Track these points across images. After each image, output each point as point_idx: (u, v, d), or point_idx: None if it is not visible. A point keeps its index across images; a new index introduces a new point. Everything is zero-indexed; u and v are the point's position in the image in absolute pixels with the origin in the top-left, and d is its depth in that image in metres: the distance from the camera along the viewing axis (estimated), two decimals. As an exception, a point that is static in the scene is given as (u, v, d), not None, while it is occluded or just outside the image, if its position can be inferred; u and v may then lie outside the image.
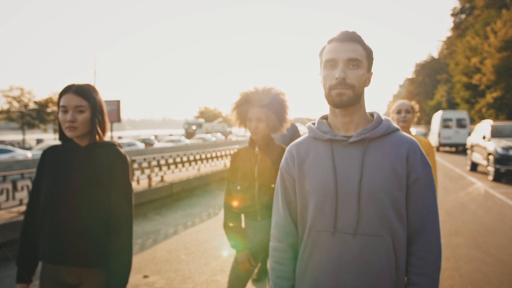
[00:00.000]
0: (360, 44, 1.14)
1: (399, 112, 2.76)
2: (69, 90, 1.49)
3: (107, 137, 1.61)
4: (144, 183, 7.15)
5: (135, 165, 6.92)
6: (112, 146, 1.56)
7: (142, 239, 5.16)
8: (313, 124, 1.26)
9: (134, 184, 7.04)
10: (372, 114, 1.24)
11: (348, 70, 1.12)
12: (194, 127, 43.56)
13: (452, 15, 43.09)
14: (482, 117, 26.69)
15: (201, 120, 48.19)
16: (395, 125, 1.21)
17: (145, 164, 7.06)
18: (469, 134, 17.34)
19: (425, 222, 1.13)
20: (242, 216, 2.20)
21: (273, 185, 2.05)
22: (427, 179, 1.14)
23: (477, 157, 11.38)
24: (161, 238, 5.17)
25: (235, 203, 2.15)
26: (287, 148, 1.29)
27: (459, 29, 40.35)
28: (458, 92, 32.66)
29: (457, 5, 42.48)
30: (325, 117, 1.27)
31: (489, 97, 26.94)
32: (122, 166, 1.52)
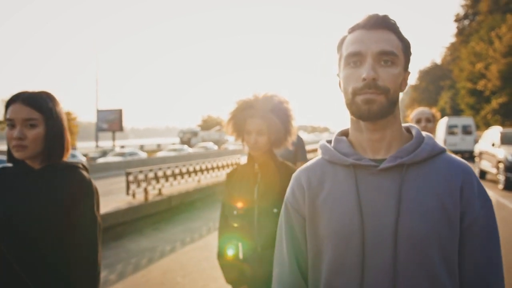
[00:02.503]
0: (394, 33, 0.84)
1: (418, 121, 2.44)
2: (17, 99, 1.19)
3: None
4: (140, 197, 6.83)
5: (131, 178, 6.61)
6: (74, 169, 1.25)
7: (136, 258, 4.83)
8: (329, 142, 0.95)
9: (129, 199, 6.73)
10: (408, 129, 0.93)
11: (380, 68, 0.81)
12: (188, 136, 43.46)
13: (456, 21, 42.91)
14: (487, 124, 26.29)
15: (197, 129, 48.02)
16: (441, 144, 0.89)
17: (141, 177, 6.75)
18: (475, 140, 17.03)
19: (487, 280, 0.81)
20: (240, 245, 1.88)
21: (275, 210, 1.73)
22: (488, 221, 0.82)
23: (486, 165, 11.03)
24: (156, 257, 4.84)
25: (231, 231, 1.83)
26: (294, 175, 0.97)
27: (463, 35, 40.11)
28: (463, 98, 32.32)
29: (460, 11, 42.34)
30: (344, 133, 0.95)
31: (495, 103, 26.59)
32: (86, 194, 1.21)
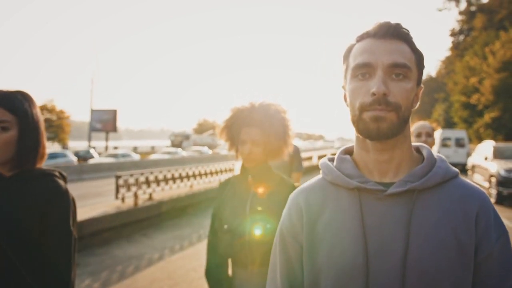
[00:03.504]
0: (407, 44, 0.76)
1: (419, 135, 2.38)
2: None
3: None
4: (129, 202, 6.67)
5: (121, 181, 6.45)
6: (49, 178, 1.14)
7: (122, 265, 4.67)
8: (331, 161, 0.86)
9: (118, 203, 6.57)
10: (418, 150, 0.84)
11: (391, 82, 0.72)
12: (180, 139, 42.99)
13: (451, 35, 43.58)
14: (480, 137, 26.61)
15: (189, 132, 47.76)
16: (453, 168, 0.81)
17: (131, 181, 6.60)
18: (468, 153, 17.20)
19: None
20: (229, 261, 1.77)
21: (268, 225, 1.64)
22: (504, 255, 0.74)
23: (478, 179, 11.10)
24: (144, 265, 4.69)
25: (221, 246, 1.73)
26: (291, 197, 0.87)
27: (458, 49, 40.71)
28: (456, 111, 32.69)
29: (456, 26, 43.04)
30: (349, 151, 0.86)
31: (487, 117, 26.91)
32: (60, 205, 1.11)
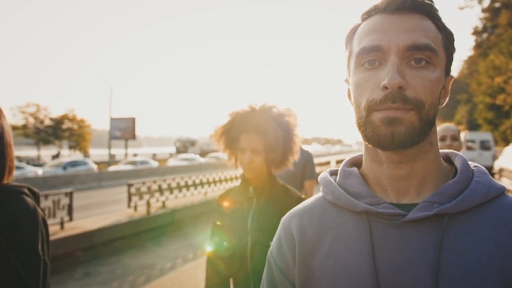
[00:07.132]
0: (431, 19, 0.57)
1: (443, 139, 2.13)
2: None
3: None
4: (142, 210, 6.60)
5: (133, 190, 6.40)
6: (15, 195, 1.01)
7: (133, 275, 4.57)
8: (333, 174, 0.68)
9: (131, 211, 6.52)
10: (448, 158, 0.65)
11: (410, 71, 0.54)
12: (185, 145, 42.44)
13: (473, 34, 42.17)
14: (506, 139, 25.49)
15: (195, 138, 47.39)
16: (497, 181, 0.61)
17: (144, 189, 6.54)
18: (494, 156, 16.47)
19: None
20: (231, 281, 1.61)
21: (271, 243, 1.46)
22: None
23: (507, 183, 10.52)
24: (155, 275, 4.57)
25: (220, 264, 1.57)
26: (283, 220, 0.70)
27: (481, 48, 39.31)
28: (481, 113, 31.52)
29: (479, 24, 41.66)
30: (356, 162, 0.68)
31: (515, 118, 25.75)
32: (27, 226, 0.97)
